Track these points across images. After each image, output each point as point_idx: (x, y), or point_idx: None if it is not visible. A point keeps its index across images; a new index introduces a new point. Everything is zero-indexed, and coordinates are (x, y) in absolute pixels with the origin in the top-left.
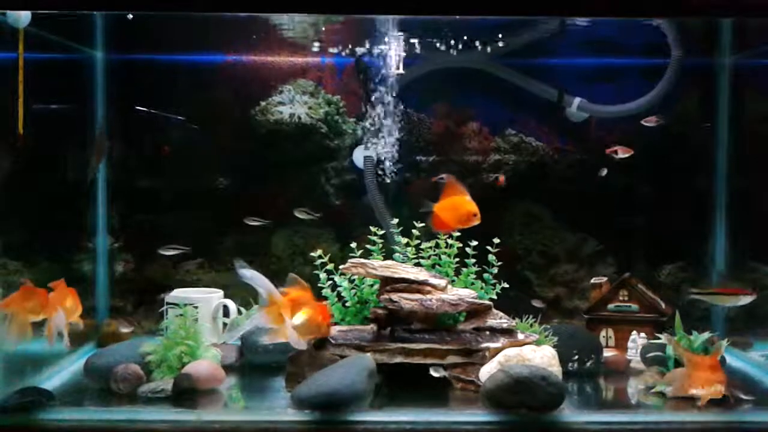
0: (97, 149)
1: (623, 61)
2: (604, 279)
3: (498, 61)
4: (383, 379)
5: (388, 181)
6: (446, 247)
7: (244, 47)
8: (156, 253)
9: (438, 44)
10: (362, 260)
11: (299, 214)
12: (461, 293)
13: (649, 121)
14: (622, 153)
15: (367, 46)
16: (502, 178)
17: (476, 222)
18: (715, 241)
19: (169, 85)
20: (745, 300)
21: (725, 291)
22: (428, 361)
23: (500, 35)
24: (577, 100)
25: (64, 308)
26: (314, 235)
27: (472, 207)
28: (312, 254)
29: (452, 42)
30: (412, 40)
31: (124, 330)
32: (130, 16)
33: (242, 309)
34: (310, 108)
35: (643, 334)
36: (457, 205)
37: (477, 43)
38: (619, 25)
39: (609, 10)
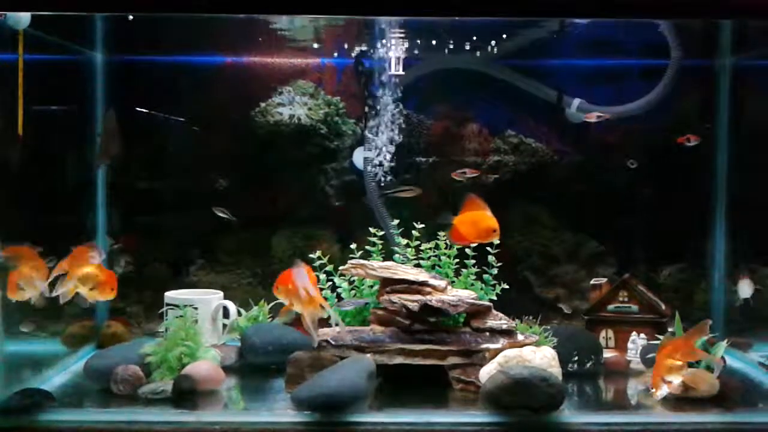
0: (104, 141)
1: (623, 62)
2: (604, 280)
3: (497, 62)
4: (383, 380)
5: (386, 182)
6: (446, 248)
7: (244, 48)
8: (156, 254)
9: (438, 45)
10: (362, 261)
11: (218, 212)
12: (461, 294)
13: (591, 117)
14: (694, 141)
15: (367, 47)
16: (467, 171)
17: (495, 238)
18: (714, 241)
19: (169, 86)
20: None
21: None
22: (428, 362)
23: (500, 36)
24: (576, 101)
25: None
26: (314, 236)
27: (493, 223)
28: (311, 255)
29: (452, 43)
30: (411, 42)
31: (160, 330)
32: (131, 17)
33: (242, 310)
34: (309, 109)
35: (643, 335)
36: (478, 220)
37: (477, 45)
38: (619, 26)
39: (608, 11)
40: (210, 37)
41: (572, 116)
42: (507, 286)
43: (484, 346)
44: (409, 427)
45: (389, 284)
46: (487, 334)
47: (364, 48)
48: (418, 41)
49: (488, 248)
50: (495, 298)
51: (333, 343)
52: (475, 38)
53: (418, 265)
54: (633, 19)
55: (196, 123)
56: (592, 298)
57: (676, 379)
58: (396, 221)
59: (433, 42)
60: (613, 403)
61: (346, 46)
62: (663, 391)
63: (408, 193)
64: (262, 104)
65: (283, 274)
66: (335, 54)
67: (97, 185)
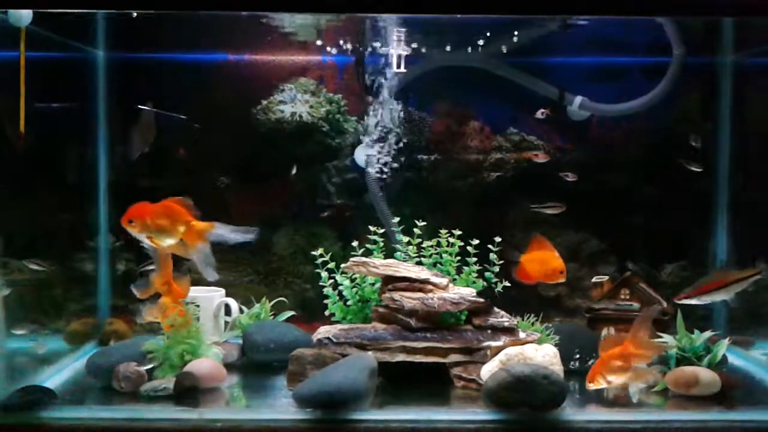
0: (141, 129)
1: (625, 59)
2: (606, 278)
3: (499, 59)
4: (385, 378)
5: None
6: (447, 246)
7: (246, 46)
8: None
9: (439, 43)
10: (363, 259)
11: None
12: (463, 292)
13: (544, 114)
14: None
15: (368, 44)
16: (539, 155)
17: (561, 279)
18: (716, 240)
19: (171, 84)
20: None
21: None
22: (430, 359)
23: (501, 34)
24: (578, 99)
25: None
26: (316, 233)
27: (560, 264)
28: (313, 253)
29: (453, 40)
30: (413, 39)
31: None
32: (135, 14)
33: (243, 308)
34: (311, 107)
35: None
36: (545, 260)
37: (478, 42)
38: (621, 24)
39: (609, 8)
40: (211, 34)
41: (574, 114)
42: (509, 284)
43: (486, 343)
44: (411, 425)
45: (391, 282)
46: (489, 331)
47: (365, 45)
48: (420, 38)
49: (490, 246)
50: (497, 296)
51: (334, 340)
52: (476, 35)
53: (419, 263)
54: (635, 16)
55: (198, 120)
56: (594, 295)
57: (617, 380)
58: (397, 219)
59: (435, 39)
60: (615, 401)
61: (347, 43)
62: (599, 386)
63: (554, 209)
64: (264, 102)
65: (137, 205)
66: (337, 51)
67: (98, 183)
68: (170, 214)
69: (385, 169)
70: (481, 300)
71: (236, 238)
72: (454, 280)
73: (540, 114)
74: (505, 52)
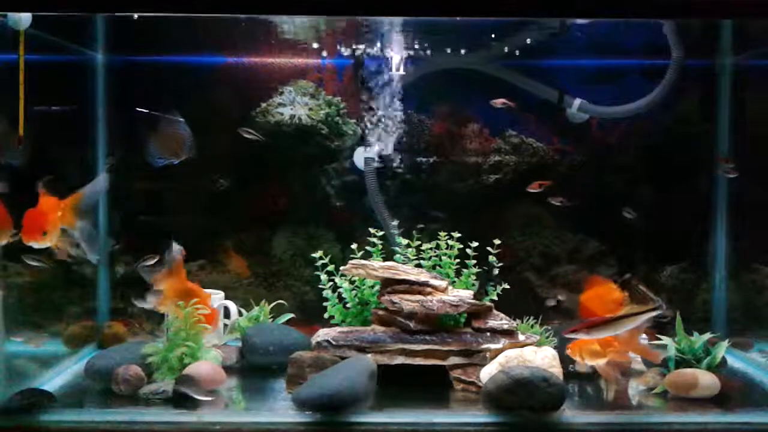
0: (165, 138)
1: (624, 62)
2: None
3: (498, 62)
4: (384, 380)
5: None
6: (447, 249)
7: (245, 49)
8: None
9: (438, 45)
10: (363, 261)
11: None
12: (462, 294)
13: (496, 103)
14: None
15: (367, 47)
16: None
17: (624, 308)
18: (716, 242)
19: (170, 86)
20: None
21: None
22: (429, 362)
23: (501, 36)
24: (577, 101)
25: None
26: (315, 236)
27: (619, 295)
28: (313, 255)
29: (453, 43)
30: (412, 42)
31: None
32: (136, 17)
33: (243, 310)
34: (310, 109)
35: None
36: (604, 294)
37: (477, 45)
38: (620, 26)
39: (609, 10)
40: (210, 37)
41: (573, 116)
42: (508, 286)
43: (485, 346)
44: (411, 428)
45: (390, 284)
46: (488, 334)
47: (364, 48)
48: (419, 41)
49: (489, 248)
50: (496, 298)
51: (333, 343)
52: (475, 38)
53: (418, 266)
54: (633, 18)
55: (197, 123)
56: None
57: (591, 362)
58: (396, 221)
59: (434, 42)
60: (614, 403)
61: (346, 46)
62: (574, 357)
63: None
64: (263, 104)
65: (32, 215)
66: (336, 54)
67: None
68: (52, 207)
69: (384, 172)
70: (481, 302)
71: (99, 192)
72: (454, 282)
73: (500, 104)
74: (504, 54)
